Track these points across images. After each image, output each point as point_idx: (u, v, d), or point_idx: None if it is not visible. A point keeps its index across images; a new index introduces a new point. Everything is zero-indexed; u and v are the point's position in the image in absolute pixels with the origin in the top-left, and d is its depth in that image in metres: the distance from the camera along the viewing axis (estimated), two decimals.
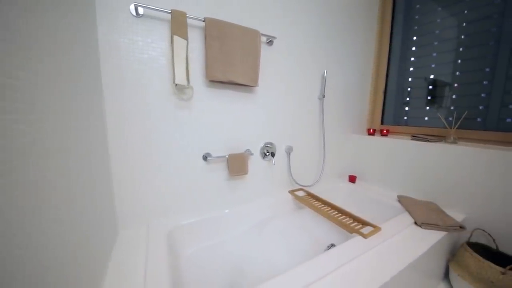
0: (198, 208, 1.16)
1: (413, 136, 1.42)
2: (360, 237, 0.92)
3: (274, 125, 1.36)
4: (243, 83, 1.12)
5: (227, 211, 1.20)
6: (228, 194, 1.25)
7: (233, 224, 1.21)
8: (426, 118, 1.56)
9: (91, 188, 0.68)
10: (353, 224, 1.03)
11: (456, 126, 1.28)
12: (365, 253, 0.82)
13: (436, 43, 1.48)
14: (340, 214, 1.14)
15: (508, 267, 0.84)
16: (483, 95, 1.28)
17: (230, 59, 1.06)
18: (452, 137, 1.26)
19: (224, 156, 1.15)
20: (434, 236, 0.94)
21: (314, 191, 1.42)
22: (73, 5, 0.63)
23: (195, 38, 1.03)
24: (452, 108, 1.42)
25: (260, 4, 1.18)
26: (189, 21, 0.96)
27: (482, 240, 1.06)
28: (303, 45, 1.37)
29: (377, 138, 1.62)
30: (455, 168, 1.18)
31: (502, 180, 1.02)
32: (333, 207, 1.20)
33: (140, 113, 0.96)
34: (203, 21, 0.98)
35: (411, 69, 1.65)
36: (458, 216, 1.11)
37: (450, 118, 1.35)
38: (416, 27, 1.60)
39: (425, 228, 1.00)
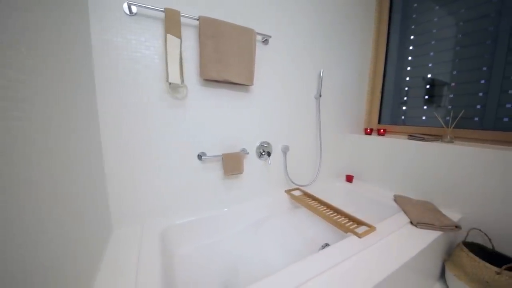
0: (193, 207, 1.15)
1: (410, 135, 1.42)
2: (354, 237, 0.91)
3: (270, 125, 1.35)
4: (238, 82, 1.11)
5: (224, 210, 1.20)
6: (224, 193, 1.24)
7: (229, 223, 1.20)
8: (423, 118, 1.56)
9: (84, 187, 0.67)
10: (348, 223, 1.02)
11: (453, 125, 1.27)
12: (360, 253, 0.82)
13: (433, 42, 1.48)
14: (335, 214, 1.13)
15: (504, 267, 0.84)
16: (480, 94, 1.28)
17: (224, 58, 1.05)
18: (448, 136, 1.26)
19: (219, 155, 1.15)
20: (429, 236, 0.94)
21: (311, 190, 1.41)
22: (65, 4, 0.62)
23: (190, 37, 1.02)
24: (449, 107, 1.41)
25: (255, 3, 1.17)
26: (183, 19, 0.96)
27: (479, 239, 1.05)
28: (299, 44, 1.37)
29: (374, 138, 1.62)
30: (452, 168, 1.17)
31: (499, 179, 1.01)
32: (329, 206, 1.19)
33: (133, 111, 0.95)
34: (197, 19, 0.98)
35: (408, 68, 1.64)
36: (454, 215, 1.11)
37: (448, 118, 1.34)
38: (413, 26, 1.59)
39: (421, 228, 0.99)
